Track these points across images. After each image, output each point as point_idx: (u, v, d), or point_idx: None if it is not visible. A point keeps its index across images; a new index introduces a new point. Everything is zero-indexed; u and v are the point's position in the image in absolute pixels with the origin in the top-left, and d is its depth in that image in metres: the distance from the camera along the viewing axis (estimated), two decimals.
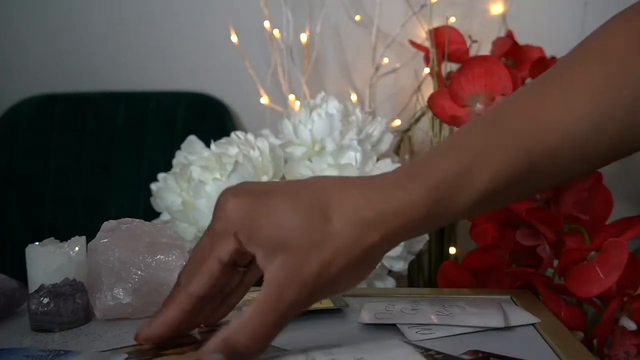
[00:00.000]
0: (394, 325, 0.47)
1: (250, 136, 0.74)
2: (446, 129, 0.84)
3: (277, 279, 0.34)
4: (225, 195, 0.36)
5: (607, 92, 0.41)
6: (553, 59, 0.80)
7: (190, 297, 0.38)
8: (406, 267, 0.67)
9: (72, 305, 0.50)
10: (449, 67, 0.82)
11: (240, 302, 0.54)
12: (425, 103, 0.77)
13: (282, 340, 0.45)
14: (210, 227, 0.37)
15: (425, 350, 0.40)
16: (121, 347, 0.44)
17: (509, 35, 0.83)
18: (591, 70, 0.42)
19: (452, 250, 0.81)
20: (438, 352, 0.40)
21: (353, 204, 0.35)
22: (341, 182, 0.37)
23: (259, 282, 0.63)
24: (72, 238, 0.55)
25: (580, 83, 0.42)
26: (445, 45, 0.79)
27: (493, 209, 0.44)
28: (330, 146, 0.68)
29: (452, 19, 0.86)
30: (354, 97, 0.95)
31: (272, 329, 0.35)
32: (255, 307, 0.34)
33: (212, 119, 0.98)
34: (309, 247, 0.34)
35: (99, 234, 0.53)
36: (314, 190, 0.36)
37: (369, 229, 0.35)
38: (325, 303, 0.52)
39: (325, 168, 0.66)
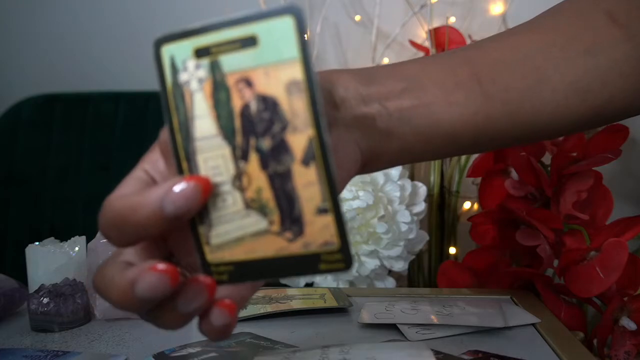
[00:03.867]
0: (394, 325, 0.47)
1: None
2: None
3: None
4: None
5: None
6: None
7: None
8: (406, 267, 0.67)
9: (72, 305, 0.50)
10: None
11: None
12: None
13: (283, 338, 0.45)
14: None
15: (436, 352, 0.40)
16: None
17: None
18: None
19: (452, 250, 0.81)
20: (438, 352, 0.40)
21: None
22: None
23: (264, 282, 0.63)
24: (72, 238, 0.56)
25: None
26: (445, 45, 0.79)
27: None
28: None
29: (452, 19, 0.86)
30: None
31: None
32: None
33: None
34: None
35: (99, 234, 0.53)
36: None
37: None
38: (330, 302, 0.52)
39: None
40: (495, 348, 0.42)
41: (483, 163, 0.64)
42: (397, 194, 0.66)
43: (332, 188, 0.25)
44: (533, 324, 0.48)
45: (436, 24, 0.84)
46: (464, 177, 0.80)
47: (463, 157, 0.81)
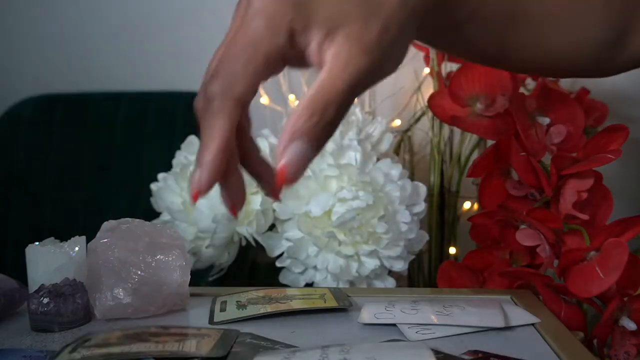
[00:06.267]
0: (394, 325, 0.47)
1: None
2: (446, 129, 0.84)
3: (342, 52, 0.34)
4: None
5: None
6: None
7: (237, 103, 0.35)
8: (406, 267, 0.67)
9: (72, 305, 0.50)
10: (449, 67, 0.82)
11: (246, 300, 0.54)
12: (425, 103, 0.77)
13: (283, 338, 0.45)
14: (248, 24, 0.35)
15: (437, 352, 0.40)
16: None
17: None
18: None
19: (452, 250, 0.81)
20: (438, 352, 0.40)
21: None
22: None
23: (264, 282, 0.63)
24: (72, 238, 0.55)
25: None
26: None
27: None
28: (330, 146, 0.68)
29: None
30: None
31: (343, 96, 0.34)
32: (321, 82, 0.34)
33: None
34: (367, 17, 0.34)
35: (99, 234, 0.53)
36: None
37: None
38: (330, 302, 0.53)
39: (325, 168, 0.66)
40: (495, 348, 0.42)
41: (483, 163, 0.64)
42: (397, 194, 0.66)
43: None
44: (533, 324, 0.48)
45: None
46: (464, 177, 0.81)
47: (463, 157, 0.81)
